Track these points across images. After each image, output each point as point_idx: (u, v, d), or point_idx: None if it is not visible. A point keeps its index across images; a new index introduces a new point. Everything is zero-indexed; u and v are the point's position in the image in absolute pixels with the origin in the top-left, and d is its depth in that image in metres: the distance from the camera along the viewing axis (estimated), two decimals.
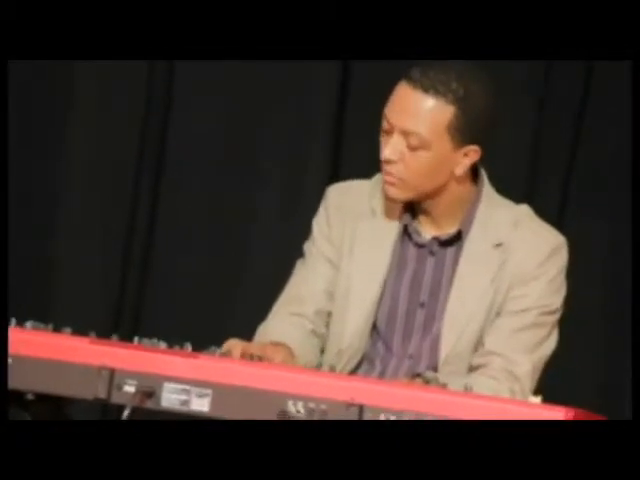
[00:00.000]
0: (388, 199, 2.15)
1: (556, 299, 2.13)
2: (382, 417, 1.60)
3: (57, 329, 1.77)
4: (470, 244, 2.14)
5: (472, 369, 2.09)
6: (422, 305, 2.14)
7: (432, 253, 2.16)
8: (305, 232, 2.29)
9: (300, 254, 2.25)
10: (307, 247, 2.23)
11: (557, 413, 1.57)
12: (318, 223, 2.22)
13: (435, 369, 2.09)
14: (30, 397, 1.74)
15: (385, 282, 2.14)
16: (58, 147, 4.18)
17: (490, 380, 2.01)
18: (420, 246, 2.15)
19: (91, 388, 1.67)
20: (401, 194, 2.12)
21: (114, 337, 1.75)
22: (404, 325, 2.14)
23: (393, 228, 2.16)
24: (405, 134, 2.09)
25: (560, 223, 3.47)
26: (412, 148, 2.09)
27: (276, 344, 2.01)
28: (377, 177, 2.23)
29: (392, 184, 2.12)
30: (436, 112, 2.09)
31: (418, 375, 1.91)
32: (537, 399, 1.61)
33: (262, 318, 2.22)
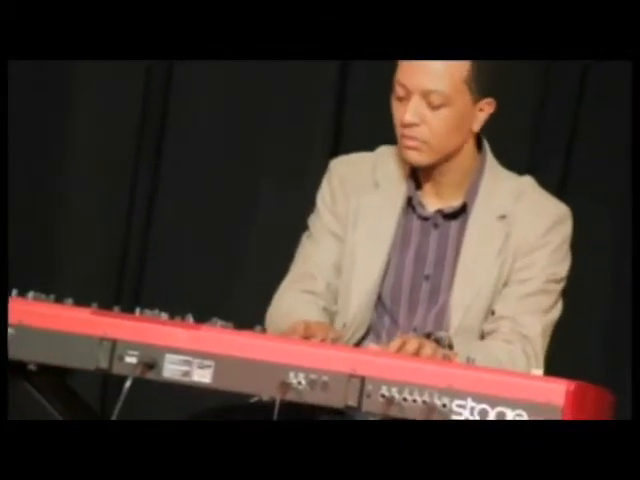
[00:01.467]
0: (410, 164, 2.14)
1: (561, 268, 2.14)
2: (384, 389, 1.60)
3: (59, 300, 1.77)
4: (475, 217, 2.14)
5: (483, 335, 2.09)
6: (427, 278, 2.14)
7: (436, 226, 2.16)
8: (304, 212, 2.28)
9: (299, 233, 2.25)
10: (312, 221, 2.22)
11: (559, 386, 1.57)
12: (322, 197, 2.22)
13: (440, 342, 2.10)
14: (32, 368, 1.74)
15: (389, 255, 2.14)
16: (59, 131, 4.19)
17: (504, 343, 2.02)
18: (424, 219, 2.16)
19: (93, 359, 1.67)
20: (425, 158, 2.12)
21: (116, 308, 1.75)
22: (409, 298, 2.14)
23: (397, 201, 2.16)
24: (425, 94, 2.10)
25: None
26: (434, 107, 2.10)
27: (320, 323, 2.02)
28: (380, 149, 2.23)
29: (415, 148, 2.12)
30: (454, 66, 2.13)
31: (429, 335, 1.91)
32: (539, 371, 1.61)
33: (264, 292, 2.21)
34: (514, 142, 4.23)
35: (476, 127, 2.16)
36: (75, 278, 3.43)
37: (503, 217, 2.14)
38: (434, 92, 2.09)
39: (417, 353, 1.74)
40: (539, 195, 2.21)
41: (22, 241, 3.50)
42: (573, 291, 2.32)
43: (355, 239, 2.14)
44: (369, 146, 2.36)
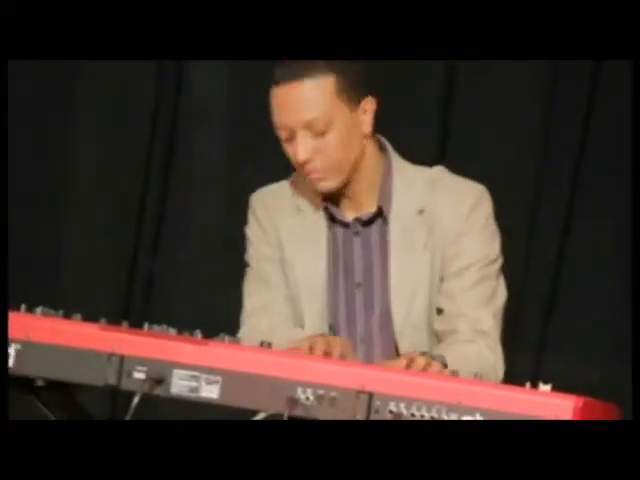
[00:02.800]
0: (321, 193, 2.16)
1: (492, 248, 2.14)
2: (392, 405, 1.60)
3: (67, 315, 1.78)
4: (394, 217, 2.15)
5: (438, 336, 2.10)
6: (358, 285, 2.15)
7: (357, 234, 2.17)
8: None
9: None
10: (248, 257, 2.23)
11: (567, 402, 1.57)
12: (251, 230, 2.23)
13: (391, 346, 2.11)
14: (40, 383, 1.74)
15: (325, 272, 2.15)
16: (65, 135, 4.19)
17: (468, 344, 2.04)
18: (345, 227, 2.17)
19: (101, 374, 1.67)
20: (334, 183, 2.13)
21: (124, 324, 1.75)
22: (346, 309, 2.15)
23: (320, 219, 2.18)
24: (307, 126, 2.10)
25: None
26: (320, 134, 2.10)
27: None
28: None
29: (321, 179, 2.13)
30: (321, 87, 2.12)
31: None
32: (547, 387, 1.61)
33: None
34: (522, 147, 4.24)
35: (367, 129, 2.16)
36: (84, 287, 3.44)
37: (422, 211, 2.14)
38: (313, 120, 2.09)
39: (424, 370, 1.75)
40: (452, 181, 2.20)
41: (29, 250, 3.51)
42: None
43: (293, 267, 2.15)
44: None
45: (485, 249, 2.12)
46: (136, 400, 1.63)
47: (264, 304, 2.18)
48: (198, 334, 1.70)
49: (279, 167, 4.08)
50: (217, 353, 1.67)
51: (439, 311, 2.11)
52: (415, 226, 2.13)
